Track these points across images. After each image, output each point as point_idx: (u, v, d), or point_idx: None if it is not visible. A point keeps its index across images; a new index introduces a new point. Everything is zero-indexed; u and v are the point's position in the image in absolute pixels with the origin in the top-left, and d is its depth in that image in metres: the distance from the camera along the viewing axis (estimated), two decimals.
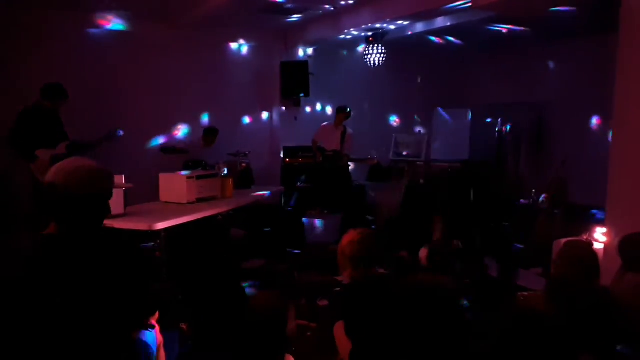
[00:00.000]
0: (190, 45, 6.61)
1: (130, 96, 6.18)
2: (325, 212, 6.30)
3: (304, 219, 6.20)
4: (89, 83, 5.76)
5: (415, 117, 8.37)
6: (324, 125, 6.72)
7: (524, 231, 6.12)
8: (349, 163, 6.70)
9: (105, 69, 6.02)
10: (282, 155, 7.29)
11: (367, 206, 6.85)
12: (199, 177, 4.68)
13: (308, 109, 7.76)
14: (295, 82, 7.24)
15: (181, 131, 6.74)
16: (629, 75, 3.91)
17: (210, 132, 6.24)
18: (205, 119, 6.91)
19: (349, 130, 6.61)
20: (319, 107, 7.92)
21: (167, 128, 6.66)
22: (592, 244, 2.99)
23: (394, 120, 8.47)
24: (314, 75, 7.24)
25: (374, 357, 2.26)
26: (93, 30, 6.06)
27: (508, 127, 7.61)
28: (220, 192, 4.88)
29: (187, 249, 4.71)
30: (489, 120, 7.80)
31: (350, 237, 2.59)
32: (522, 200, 7.00)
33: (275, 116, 7.55)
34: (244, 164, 5.72)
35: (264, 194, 5.40)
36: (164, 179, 4.72)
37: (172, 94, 6.51)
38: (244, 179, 5.62)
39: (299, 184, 6.78)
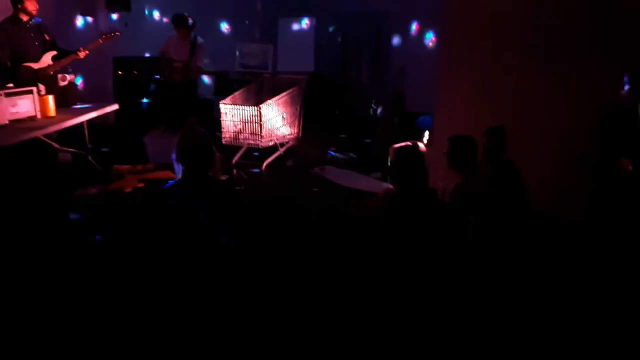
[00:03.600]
0: None
1: None
2: (169, 129, 5.90)
3: (145, 139, 5.74)
4: None
5: (246, 22, 7.96)
6: (172, 36, 6.07)
7: (365, 139, 6.51)
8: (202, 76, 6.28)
9: None
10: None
11: (215, 122, 6.58)
12: (8, 95, 4.02)
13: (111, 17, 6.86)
14: None
15: None
16: None
17: None
18: None
19: (200, 40, 6.07)
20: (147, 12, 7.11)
21: None
22: (418, 147, 3.24)
23: (224, 27, 7.98)
24: None
25: None
26: None
27: (349, 38, 7.73)
28: (38, 111, 4.26)
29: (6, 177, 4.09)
30: (331, 29, 7.81)
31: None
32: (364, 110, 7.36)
33: (100, 22, 6.61)
34: (66, 78, 4.96)
35: (95, 112, 4.82)
36: None
37: None
38: (68, 95, 4.92)
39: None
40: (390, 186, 3.01)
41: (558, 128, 3.48)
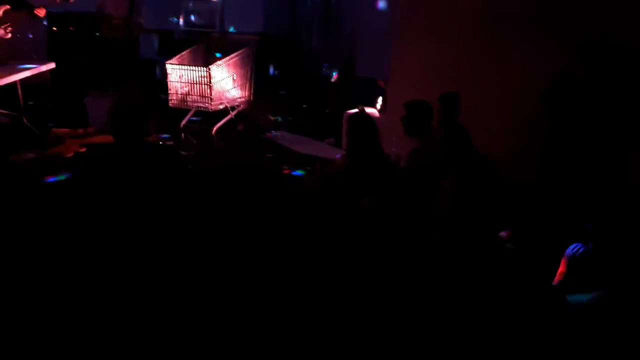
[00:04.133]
0: None
1: None
2: (110, 91, 5.58)
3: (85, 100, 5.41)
4: None
5: None
6: None
7: (318, 103, 6.44)
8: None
9: None
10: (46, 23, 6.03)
11: (158, 83, 6.28)
12: None
13: None
14: None
15: None
16: None
17: None
18: None
19: None
20: None
21: None
22: (368, 113, 3.28)
23: None
24: None
25: None
26: None
27: None
28: None
29: None
30: None
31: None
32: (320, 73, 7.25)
33: None
34: None
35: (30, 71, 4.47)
36: None
37: None
38: None
39: None
40: (344, 152, 3.02)
41: (511, 93, 3.59)
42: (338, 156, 3.71)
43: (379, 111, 4.69)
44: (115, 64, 5.72)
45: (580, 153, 3.10)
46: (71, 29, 6.06)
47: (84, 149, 4.53)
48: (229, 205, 2.67)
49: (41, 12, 4.47)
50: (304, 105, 6.52)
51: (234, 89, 5.47)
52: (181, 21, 6.88)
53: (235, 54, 5.36)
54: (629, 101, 3.07)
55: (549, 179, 3.11)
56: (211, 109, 5.20)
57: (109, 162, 2.48)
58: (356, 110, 2.90)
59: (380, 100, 5.11)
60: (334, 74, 6.62)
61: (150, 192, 2.41)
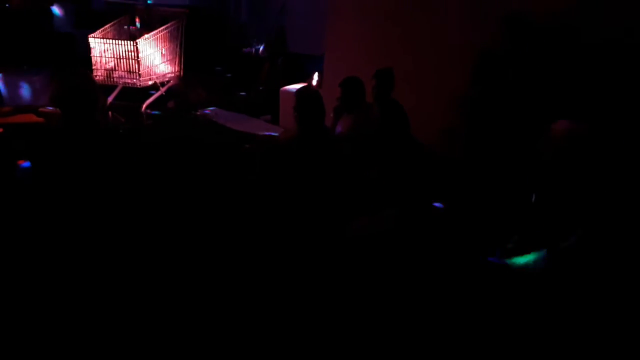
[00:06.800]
0: None
1: None
2: (25, 67, 5.18)
3: None
4: None
5: None
6: None
7: (249, 80, 6.35)
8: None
9: None
10: None
11: (78, 59, 5.89)
12: None
13: None
14: None
15: None
16: None
17: None
18: None
19: None
20: None
21: None
22: (317, 89, 3.33)
23: None
24: None
25: None
26: None
27: None
28: None
29: None
30: None
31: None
32: (245, 49, 7.11)
33: None
34: None
35: None
36: None
37: None
38: None
39: None
40: (283, 129, 3.03)
41: (441, 71, 3.75)
42: (276, 133, 3.73)
43: (316, 87, 4.73)
44: (26, 38, 5.30)
45: (503, 129, 3.32)
46: None
47: (0, 130, 4.20)
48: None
49: None
50: (236, 82, 6.42)
51: (163, 64, 5.27)
52: None
53: (163, 27, 5.15)
54: (548, 78, 3.31)
55: (475, 154, 3.31)
56: (139, 85, 4.99)
57: (62, 147, 2.28)
58: (301, 85, 2.91)
59: (316, 76, 5.15)
60: (261, 47, 6.52)
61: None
